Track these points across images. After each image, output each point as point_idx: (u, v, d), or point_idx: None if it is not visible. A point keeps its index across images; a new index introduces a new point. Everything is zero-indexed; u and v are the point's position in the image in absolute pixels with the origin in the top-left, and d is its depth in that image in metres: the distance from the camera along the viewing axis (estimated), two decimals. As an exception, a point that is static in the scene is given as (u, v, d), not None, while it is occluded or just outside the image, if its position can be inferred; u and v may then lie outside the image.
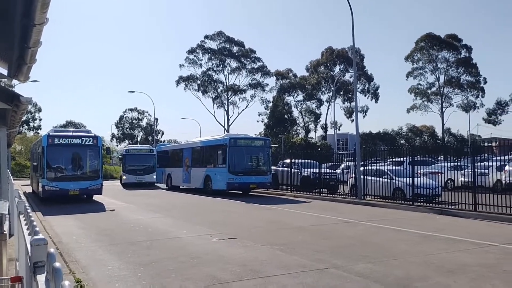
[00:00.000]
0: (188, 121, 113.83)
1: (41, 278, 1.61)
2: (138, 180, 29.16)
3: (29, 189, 24.72)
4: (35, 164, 19.76)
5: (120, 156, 33.65)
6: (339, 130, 62.30)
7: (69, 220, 13.07)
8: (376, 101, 63.70)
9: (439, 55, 59.96)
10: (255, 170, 21.03)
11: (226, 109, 61.94)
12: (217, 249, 8.46)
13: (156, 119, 70.72)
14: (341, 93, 61.38)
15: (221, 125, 61.44)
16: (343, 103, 63.03)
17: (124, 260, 7.59)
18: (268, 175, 21.25)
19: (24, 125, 63.60)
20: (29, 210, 3.41)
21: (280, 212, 14.58)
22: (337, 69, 62.91)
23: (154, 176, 29.56)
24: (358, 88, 50.30)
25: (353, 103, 60.13)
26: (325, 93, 63.58)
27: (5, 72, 5.67)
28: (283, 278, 6.32)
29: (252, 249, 8.41)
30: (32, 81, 30.58)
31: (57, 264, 1.33)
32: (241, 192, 21.52)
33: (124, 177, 29.76)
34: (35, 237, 1.88)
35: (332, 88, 56.41)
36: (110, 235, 10.33)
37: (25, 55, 4.45)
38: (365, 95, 62.63)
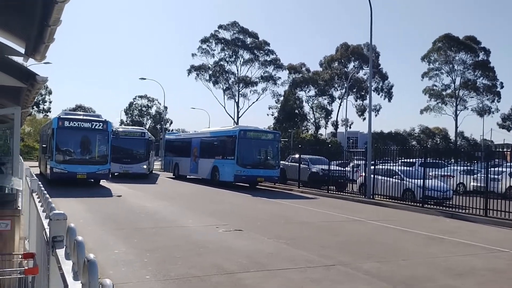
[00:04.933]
0: (197, 111, 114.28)
1: (60, 252, 1.58)
2: (124, 170, 23.75)
3: (36, 171, 24.94)
4: (44, 146, 19.88)
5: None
6: (350, 128, 61.93)
7: (76, 203, 13.15)
8: (389, 100, 63.19)
9: (456, 56, 59.18)
10: (263, 164, 20.97)
11: (237, 101, 61.88)
12: (223, 239, 8.44)
13: (166, 108, 70.85)
14: (354, 90, 60.89)
15: (231, 116, 61.47)
16: (356, 100, 62.61)
17: (130, 245, 7.61)
18: (276, 169, 21.18)
19: (34, 107, 64.19)
20: (42, 188, 3.40)
21: (287, 207, 14.54)
22: (351, 65, 62.40)
23: (145, 166, 24.59)
24: (372, 86, 50.28)
25: (365, 101, 59.86)
26: (337, 90, 63.16)
27: (22, 50, 5.63)
28: (289, 272, 6.28)
29: (258, 242, 8.38)
30: (45, 63, 30.73)
31: (79, 238, 1.29)
32: (248, 185, 21.49)
33: None
34: (55, 211, 1.85)
35: (345, 85, 55.96)
36: (117, 220, 10.37)
37: (44, 34, 4.39)
38: (379, 94, 62.10)
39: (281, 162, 22.33)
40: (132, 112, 78.35)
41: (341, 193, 18.88)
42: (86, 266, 1.10)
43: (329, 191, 19.46)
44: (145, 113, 78.92)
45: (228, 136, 21.19)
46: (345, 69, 62.15)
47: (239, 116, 61.11)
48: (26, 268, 2.86)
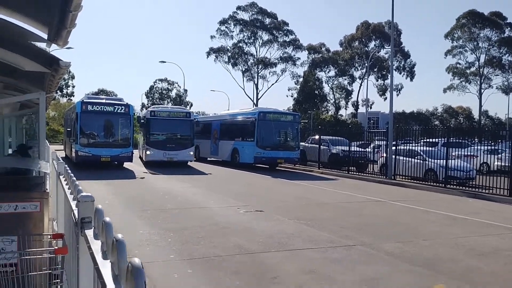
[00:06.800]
0: (216, 93, 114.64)
1: (89, 232, 1.64)
2: (168, 158, 20.65)
3: (62, 154, 25.54)
4: (69, 129, 20.31)
5: (143, 121, 21.92)
6: (370, 108, 61.08)
7: (100, 185, 13.47)
8: (411, 79, 61.92)
9: (481, 33, 57.21)
10: (283, 145, 20.99)
11: (256, 82, 61.64)
12: (244, 220, 8.55)
13: (186, 90, 71.14)
14: (375, 70, 59.83)
15: (250, 98, 61.34)
16: (377, 80, 61.57)
17: (154, 226, 7.78)
18: (296, 150, 21.18)
19: (58, 91, 65.32)
20: (69, 171, 3.51)
21: (307, 188, 14.56)
22: (372, 44, 61.17)
23: (191, 153, 21.53)
24: (394, 65, 49.32)
25: (386, 81, 58.82)
26: (358, 70, 62.21)
27: (45, 36, 5.71)
28: (310, 252, 6.34)
29: (279, 223, 8.46)
30: (67, 48, 31.09)
31: (107, 219, 1.34)
32: (268, 166, 21.57)
33: (148, 152, 20.76)
34: (83, 194, 1.92)
35: (366, 64, 55.00)
36: (141, 202, 10.60)
37: (65, 19, 4.43)
38: (400, 73, 60.87)
39: (301, 143, 22.28)
40: (153, 95, 79.01)
41: (362, 174, 18.77)
42: (115, 245, 1.15)
43: (350, 172, 19.37)
44: (165, 96, 79.47)
45: (248, 118, 21.22)
46: (366, 48, 60.98)
47: (258, 98, 60.99)
48: (56, 248, 2.97)
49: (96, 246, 1.42)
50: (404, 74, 61.07)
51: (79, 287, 1.90)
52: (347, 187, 14.95)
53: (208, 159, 25.94)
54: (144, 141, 21.59)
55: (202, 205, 10.37)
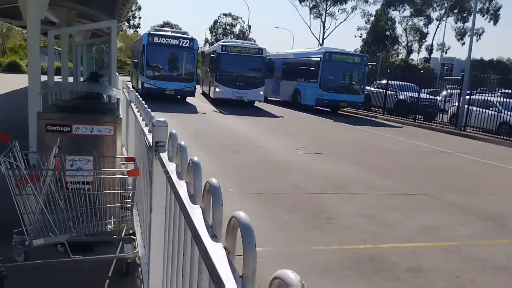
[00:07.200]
0: (281, 31, 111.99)
1: (163, 155, 1.69)
2: (238, 96, 19.73)
3: (129, 85, 26.57)
4: (136, 61, 20.82)
5: (212, 56, 20.83)
6: (445, 53, 56.91)
7: (164, 117, 13.87)
8: (495, 23, 56.14)
9: None
10: (347, 88, 20.31)
11: (323, 20, 59.00)
12: (302, 161, 8.57)
13: (249, 26, 70.13)
14: (455, 11, 54.83)
15: (316, 38, 59.21)
16: (456, 22, 56.56)
17: (215, 159, 8.03)
18: (361, 94, 20.44)
19: (125, 22, 66.81)
20: (140, 99, 3.62)
21: (369, 134, 14.21)
22: (454, -18, 55.65)
23: (261, 93, 20.37)
24: (477, 6, 44.78)
25: (467, 24, 54.03)
26: (436, 10, 57.26)
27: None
28: (368, 197, 6.28)
29: (337, 166, 8.39)
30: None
31: (182, 142, 1.36)
32: (329, 110, 21.15)
33: (217, 89, 19.71)
34: (158, 119, 1.97)
35: (446, 5, 50.46)
36: (202, 136, 10.93)
37: None
38: (483, 16, 55.28)
39: (366, 87, 21.44)
40: (217, 31, 78.65)
41: (430, 123, 17.91)
42: (191, 166, 1.16)
43: (416, 121, 18.54)
44: (228, 31, 78.81)
45: (312, 58, 20.57)
46: (447, -14, 55.62)
47: (325, 37, 58.70)
48: (128, 170, 3.15)
49: (171, 167, 1.46)
50: (487, 17, 55.42)
51: (152, 206, 2.00)
52: (412, 136, 14.39)
53: (269, 98, 25.84)
54: (213, 77, 20.53)
55: (261, 143, 10.49)
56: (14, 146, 2.78)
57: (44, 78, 7.01)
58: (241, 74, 19.92)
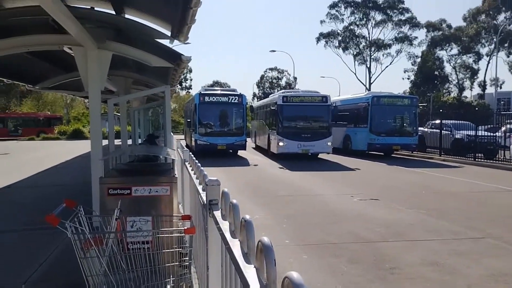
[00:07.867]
0: (326, 79, 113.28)
1: (217, 214, 1.75)
2: (304, 150, 18.24)
3: (182, 143, 27.63)
4: (189, 120, 21.80)
5: (273, 108, 19.31)
6: (500, 88, 54.54)
7: (217, 171, 14.26)
8: (551, 53, 53.74)
9: None
10: (399, 131, 19.88)
11: (368, 66, 59.30)
12: (358, 208, 8.34)
13: (295, 78, 71.50)
14: (505, 45, 53.14)
15: (362, 83, 59.29)
16: (508, 56, 54.63)
17: (269, 211, 8.02)
18: (414, 136, 19.90)
19: (178, 85, 70.58)
20: (194, 158, 3.78)
21: (427, 176, 13.65)
22: (501, 17, 54.39)
23: (329, 143, 18.56)
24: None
25: (520, 56, 51.88)
26: (485, 46, 55.86)
27: (168, 33, 6.15)
28: (432, 243, 5.95)
29: (396, 211, 8.08)
30: (186, 43, 33.23)
31: (234, 201, 1.42)
32: (382, 153, 20.68)
33: (281, 144, 18.27)
34: (210, 178, 2.06)
35: (495, 40, 49.10)
36: (255, 188, 10.99)
37: (186, 16, 4.72)
38: (538, 46, 53.19)
39: (419, 128, 20.88)
40: (264, 85, 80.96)
41: (491, 161, 16.95)
42: (243, 225, 1.20)
43: (476, 159, 17.63)
44: (275, 85, 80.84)
45: (361, 104, 20.51)
46: (494, 21, 54.39)
47: (371, 82, 58.67)
48: (185, 228, 3.24)
49: (225, 226, 1.51)
50: (541, 47, 53.22)
51: (208, 264, 2.04)
52: (474, 175, 13.64)
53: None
54: (273, 130, 19.32)
55: (315, 192, 10.37)
56: (79, 211, 2.96)
57: (105, 142, 7.51)
58: (306, 125, 18.75)
